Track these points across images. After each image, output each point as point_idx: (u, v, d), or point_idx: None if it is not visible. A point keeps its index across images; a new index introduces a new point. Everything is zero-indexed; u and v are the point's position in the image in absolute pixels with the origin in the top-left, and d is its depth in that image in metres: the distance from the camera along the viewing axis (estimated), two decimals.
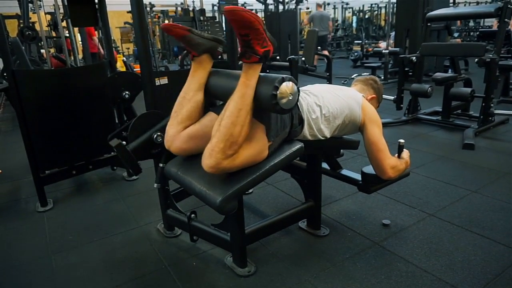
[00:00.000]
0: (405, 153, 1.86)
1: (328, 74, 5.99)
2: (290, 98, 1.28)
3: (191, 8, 1.99)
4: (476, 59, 3.37)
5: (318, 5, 8.79)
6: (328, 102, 1.65)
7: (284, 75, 1.30)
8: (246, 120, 1.30)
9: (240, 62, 1.35)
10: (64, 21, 5.36)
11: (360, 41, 9.94)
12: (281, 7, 9.06)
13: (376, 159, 1.72)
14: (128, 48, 13.35)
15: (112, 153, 2.75)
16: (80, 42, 6.28)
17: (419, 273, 1.60)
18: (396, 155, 1.84)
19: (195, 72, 1.55)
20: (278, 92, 1.25)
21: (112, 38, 3.08)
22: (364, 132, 1.76)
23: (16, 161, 3.26)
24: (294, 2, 9.02)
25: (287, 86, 1.27)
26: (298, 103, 1.54)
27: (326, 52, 7.89)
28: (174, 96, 2.06)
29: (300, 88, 1.70)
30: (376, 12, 16.71)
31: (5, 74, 4.03)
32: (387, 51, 6.19)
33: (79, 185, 2.73)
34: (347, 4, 16.51)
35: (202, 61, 1.55)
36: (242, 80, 1.30)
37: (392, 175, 1.74)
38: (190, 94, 1.51)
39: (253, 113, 1.35)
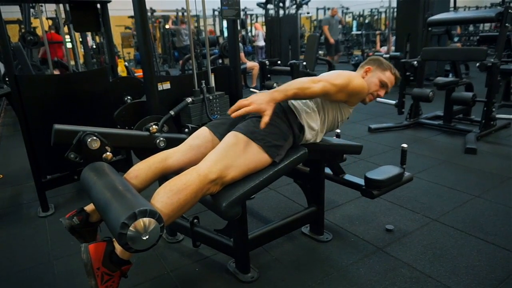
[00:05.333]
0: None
1: None
2: (145, 238, 1.05)
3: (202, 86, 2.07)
4: (478, 64, 3.37)
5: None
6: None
7: (137, 210, 1.03)
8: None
9: None
10: (66, 26, 5.38)
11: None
12: (281, 12, 9.09)
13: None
14: (129, 53, 13.40)
15: (114, 158, 2.74)
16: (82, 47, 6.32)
17: (424, 278, 1.59)
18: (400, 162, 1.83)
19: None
20: (128, 231, 1.02)
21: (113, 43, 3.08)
22: None
23: (17, 166, 3.26)
24: (294, 7, 9.05)
25: (140, 225, 1.04)
26: (295, 110, 1.53)
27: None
28: (175, 100, 2.07)
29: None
30: (376, 17, 16.78)
31: (7, 79, 4.04)
32: (388, 55, 6.21)
33: (80, 190, 2.71)
34: (347, 9, 16.59)
35: None
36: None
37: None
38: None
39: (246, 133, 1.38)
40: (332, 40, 8.16)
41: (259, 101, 1.35)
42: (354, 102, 1.67)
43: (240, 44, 7.37)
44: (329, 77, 1.53)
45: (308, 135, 1.57)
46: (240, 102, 1.38)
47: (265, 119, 1.34)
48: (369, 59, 1.78)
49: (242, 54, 7.04)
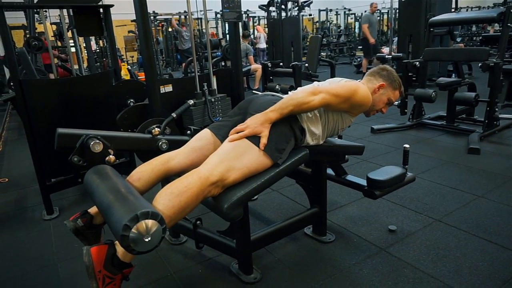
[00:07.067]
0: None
1: None
2: (147, 240, 1.06)
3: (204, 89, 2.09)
4: (480, 64, 3.36)
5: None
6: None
7: (139, 212, 1.05)
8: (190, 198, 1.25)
9: None
10: (70, 31, 5.43)
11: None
12: (283, 14, 9.11)
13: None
14: (132, 56, 13.48)
15: (118, 160, 2.76)
16: (85, 51, 6.36)
17: (427, 279, 1.58)
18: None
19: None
20: (130, 233, 1.04)
21: (116, 46, 3.11)
22: None
23: (22, 169, 3.28)
24: (296, 9, 9.06)
25: (142, 227, 1.05)
26: (296, 113, 1.53)
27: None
28: (177, 102, 2.07)
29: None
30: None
31: (12, 83, 4.09)
32: (390, 56, 6.20)
33: (84, 193, 2.73)
34: (349, 10, 16.61)
35: None
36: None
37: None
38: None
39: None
40: (372, 40, 7.48)
41: (254, 124, 1.40)
42: (356, 113, 1.66)
43: (250, 47, 7.42)
44: (332, 87, 1.52)
45: (309, 139, 1.58)
46: (237, 127, 1.44)
47: (263, 140, 1.39)
48: (381, 70, 1.71)
49: (251, 57, 7.10)
